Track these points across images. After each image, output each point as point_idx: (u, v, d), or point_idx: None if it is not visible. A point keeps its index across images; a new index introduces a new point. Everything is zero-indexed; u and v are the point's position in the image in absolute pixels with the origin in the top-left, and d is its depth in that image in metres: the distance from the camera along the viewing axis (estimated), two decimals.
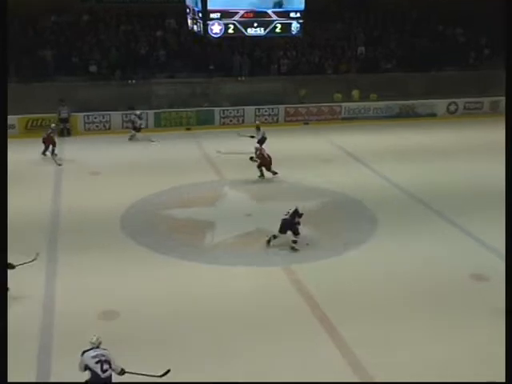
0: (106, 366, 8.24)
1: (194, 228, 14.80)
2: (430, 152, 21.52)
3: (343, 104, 26.56)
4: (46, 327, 10.55)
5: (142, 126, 22.82)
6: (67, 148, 21.51)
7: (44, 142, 20.24)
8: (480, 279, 12.44)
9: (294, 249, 13.63)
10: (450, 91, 27.19)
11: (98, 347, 8.41)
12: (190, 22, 17.72)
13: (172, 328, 10.58)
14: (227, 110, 25.51)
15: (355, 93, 27.10)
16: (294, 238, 13.65)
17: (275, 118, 25.91)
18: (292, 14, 16.41)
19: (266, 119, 25.63)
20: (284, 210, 15.19)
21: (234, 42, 26.49)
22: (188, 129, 24.61)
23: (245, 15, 15.89)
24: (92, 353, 8.31)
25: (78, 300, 11.34)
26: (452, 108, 27.83)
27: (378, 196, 17.16)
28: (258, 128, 20.86)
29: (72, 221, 15.13)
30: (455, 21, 29.51)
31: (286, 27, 16.41)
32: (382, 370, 9.42)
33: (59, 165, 19.51)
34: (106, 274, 12.43)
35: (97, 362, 8.22)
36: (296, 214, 13.64)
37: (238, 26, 15.81)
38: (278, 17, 16.25)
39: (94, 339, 8.46)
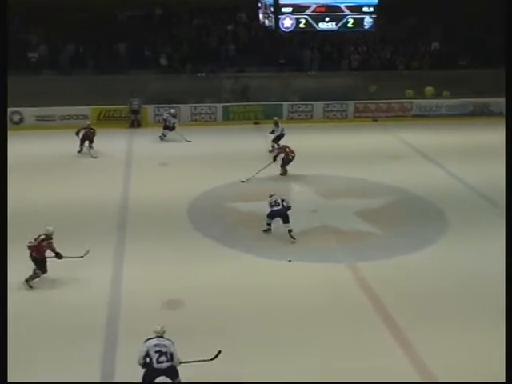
0: (162, 358, 8.26)
1: (259, 222, 14.81)
2: (503, 152, 20.85)
3: (414, 101, 26.08)
4: (112, 315, 10.75)
5: (176, 125, 21.98)
6: (137, 139, 21.94)
7: (81, 138, 20.03)
8: None
9: (293, 237, 13.71)
10: None
11: (161, 337, 8.51)
12: (261, 16, 17.74)
13: (234, 320, 10.60)
14: (296, 104, 25.44)
15: (428, 90, 26.54)
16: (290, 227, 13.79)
17: (344, 114, 25.68)
18: (365, 9, 16.22)
19: (334, 115, 25.47)
20: (351, 207, 15.11)
21: (304, 37, 26.38)
22: (256, 123, 24.65)
23: (317, 9, 15.80)
24: (155, 341, 8.42)
25: (144, 288, 11.51)
26: None
27: (447, 195, 16.77)
28: (276, 124, 20.64)
29: (140, 210, 15.38)
30: None
31: (359, 22, 16.22)
32: (446, 372, 9.19)
33: (95, 157, 19.71)
34: (171, 263, 12.59)
35: (156, 352, 8.28)
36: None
37: (310, 20, 15.73)
38: (351, 11, 16.08)
39: (159, 328, 8.57)
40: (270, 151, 19.68)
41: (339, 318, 10.80)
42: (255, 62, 26.10)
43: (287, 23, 15.68)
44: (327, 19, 15.84)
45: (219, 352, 8.87)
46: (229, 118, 24.91)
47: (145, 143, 21.38)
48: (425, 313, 11.00)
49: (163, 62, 25.63)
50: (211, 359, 8.80)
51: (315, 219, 15.05)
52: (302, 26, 15.73)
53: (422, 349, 9.84)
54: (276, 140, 20.05)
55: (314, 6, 15.69)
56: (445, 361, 9.52)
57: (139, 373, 8.42)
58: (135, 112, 23.75)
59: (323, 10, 15.81)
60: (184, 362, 8.56)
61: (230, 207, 15.87)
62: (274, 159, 18.00)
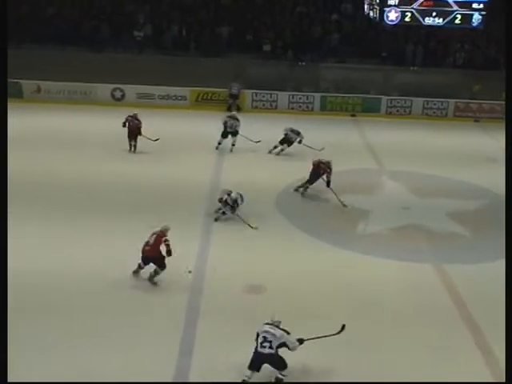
0: (265, 344, 8.55)
1: (348, 215, 14.73)
2: None
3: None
4: (195, 296, 10.98)
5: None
6: None
7: (128, 134, 18.20)
8: None
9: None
10: None
11: (277, 326, 8.77)
12: (366, 7, 17.54)
13: (312, 308, 10.62)
14: (395, 99, 25.01)
15: (475, 87, 25.27)
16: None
17: (444, 112, 25.04)
18: (475, 5, 15.76)
19: (434, 112, 24.88)
20: (443, 207, 14.84)
21: (408, 31, 25.84)
22: (353, 115, 24.44)
23: (424, 3, 15.48)
24: (266, 327, 8.70)
25: (227, 271, 11.69)
26: None
27: None
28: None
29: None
30: None
31: (467, 18, 15.77)
32: None
33: (156, 140, 18.26)
34: (255, 248, 12.73)
35: (262, 337, 8.61)
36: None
37: (416, 14, 15.43)
38: (460, 7, 15.67)
39: (275, 319, 8.85)
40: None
41: (424, 319, 10.66)
42: (357, 54, 25.79)
43: (392, 16, 15.44)
44: (434, 14, 15.48)
45: (343, 326, 9.16)
46: (326, 108, 24.80)
47: (242, 128, 21.53)
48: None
49: (266, 47, 25.71)
50: (338, 333, 9.12)
51: (406, 217, 14.82)
52: (407, 19, 15.46)
53: (497, 347, 9.62)
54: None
55: (421, 0, 15.36)
56: None
57: (215, 351, 8.61)
58: (234, 96, 24.01)
59: (431, 4, 15.47)
60: (309, 339, 8.87)
61: (321, 198, 15.81)
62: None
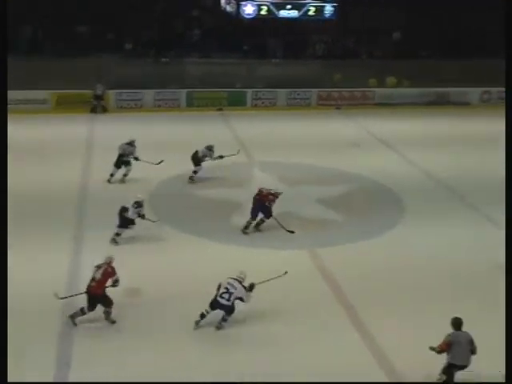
0: (224, 295, 9.87)
1: (222, 209, 14.81)
2: (461, 140, 21.25)
3: (377, 90, 26.33)
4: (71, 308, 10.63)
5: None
6: (100, 125, 21.62)
7: None
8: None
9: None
10: (484, 80, 26.72)
11: (240, 282, 10.00)
12: (223, 1, 17.64)
13: (196, 309, 10.60)
14: (260, 91, 25.42)
15: (390, 79, 26.79)
16: None
17: (307, 102, 25.79)
18: None
19: (298, 102, 25.56)
20: (313, 194, 15.23)
21: (268, 24, 26.31)
22: (220, 109, 24.59)
23: None
24: (230, 280, 10.00)
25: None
26: (485, 97, 27.38)
27: (406, 183, 17.04)
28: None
29: (99, 196, 15.27)
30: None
31: (320, 10, 16.27)
32: (408, 362, 9.33)
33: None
34: (132, 252, 12.52)
35: (224, 288, 9.90)
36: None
37: (271, 7, 15.75)
38: None
39: (242, 274, 10.12)
40: None
41: (300, 304, 10.92)
42: (220, 48, 25.94)
43: (248, 9, 15.72)
44: (289, 7, 15.86)
45: (286, 272, 10.72)
46: (193, 104, 24.78)
47: (106, 128, 21.09)
48: (381, 296, 11.22)
49: (128, 46, 25.29)
50: (282, 275, 10.62)
51: (278, 206, 15.05)
52: (263, 12, 15.76)
53: (382, 339, 10.00)
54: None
55: None
56: (397, 343, 9.73)
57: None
58: (98, 97, 23.47)
59: None
60: (260, 283, 10.12)
61: (192, 194, 15.85)
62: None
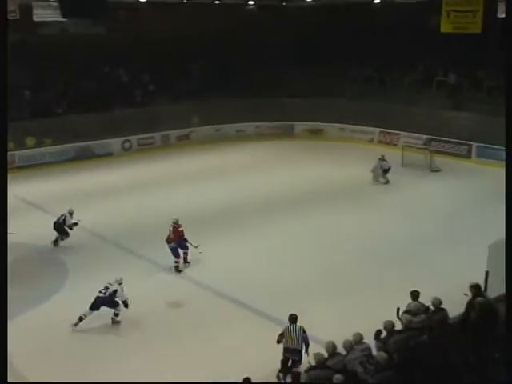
0: (103, 290, 12.17)
1: None
2: (111, 191, 21.83)
3: (16, 152, 25.20)
4: None
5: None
6: None
7: None
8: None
9: None
10: (124, 129, 27.87)
11: (120, 284, 12.30)
12: None
13: None
14: None
15: (29, 140, 26.17)
16: None
17: None
18: None
19: None
20: None
21: None
22: None
23: None
24: (111, 281, 12.34)
25: None
26: (126, 145, 28.49)
27: (67, 242, 16.84)
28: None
29: None
30: (119, 61, 30.14)
31: None
32: None
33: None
34: None
35: (104, 286, 12.29)
36: None
37: None
38: None
39: (118, 279, 12.34)
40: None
41: None
42: None
43: None
44: None
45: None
46: None
47: None
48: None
49: None
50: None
51: None
52: None
53: None
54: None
55: None
56: None
57: None
58: None
59: None
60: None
61: None
62: None
